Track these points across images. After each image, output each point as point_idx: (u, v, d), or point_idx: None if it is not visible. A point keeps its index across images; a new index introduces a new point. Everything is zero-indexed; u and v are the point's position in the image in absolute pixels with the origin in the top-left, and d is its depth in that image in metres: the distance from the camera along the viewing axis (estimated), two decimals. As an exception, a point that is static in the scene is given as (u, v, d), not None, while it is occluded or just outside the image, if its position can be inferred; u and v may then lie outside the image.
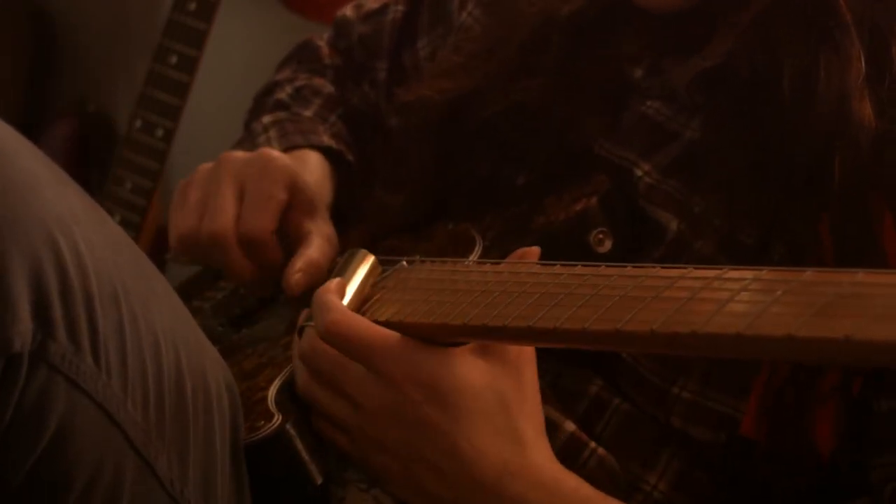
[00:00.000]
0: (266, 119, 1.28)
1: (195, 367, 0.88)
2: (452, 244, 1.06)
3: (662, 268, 0.77)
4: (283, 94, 1.32)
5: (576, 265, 0.84)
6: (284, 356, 1.01)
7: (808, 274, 0.68)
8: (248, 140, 1.26)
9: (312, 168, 1.21)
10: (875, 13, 0.97)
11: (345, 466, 0.96)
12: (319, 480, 0.93)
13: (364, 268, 0.99)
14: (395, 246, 1.12)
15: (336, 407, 0.91)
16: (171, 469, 0.85)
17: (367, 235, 1.16)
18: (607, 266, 0.81)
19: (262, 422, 0.93)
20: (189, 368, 0.87)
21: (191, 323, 0.92)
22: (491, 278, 0.89)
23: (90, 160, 2.04)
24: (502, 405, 0.87)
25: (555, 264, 0.86)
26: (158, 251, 1.80)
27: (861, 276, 0.65)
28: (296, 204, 1.11)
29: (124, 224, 1.80)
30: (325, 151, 1.24)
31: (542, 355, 0.91)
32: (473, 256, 1.02)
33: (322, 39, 1.40)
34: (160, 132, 1.78)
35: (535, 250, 0.91)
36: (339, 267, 1.01)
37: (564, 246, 0.97)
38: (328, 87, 1.34)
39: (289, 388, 0.97)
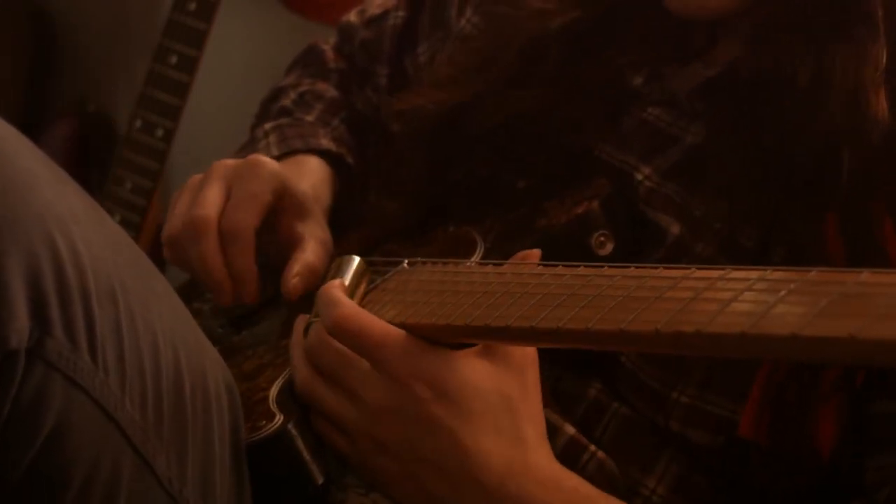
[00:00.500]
0: (268, 125, 1.28)
1: (194, 366, 0.88)
2: (454, 246, 1.06)
3: (665, 268, 0.77)
4: (286, 101, 1.33)
5: (578, 266, 0.84)
6: (285, 358, 1.01)
7: (813, 274, 0.68)
8: (249, 146, 1.26)
9: (310, 172, 1.21)
10: None
11: (344, 471, 0.95)
12: (321, 480, 0.92)
13: (354, 272, 1.01)
14: (395, 249, 1.12)
15: (337, 405, 0.91)
16: (169, 468, 0.85)
17: (365, 239, 1.16)
18: (610, 267, 0.81)
19: (264, 421, 0.93)
20: (188, 368, 0.86)
21: (190, 323, 0.92)
22: (493, 279, 0.89)
23: (90, 160, 2.04)
24: (507, 406, 0.87)
25: (557, 265, 0.86)
26: (158, 251, 1.80)
27: (866, 275, 0.65)
28: (286, 207, 1.11)
29: (124, 224, 1.80)
30: (325, 155, 1.24)
31: (542, 358, 0.91)
32: (475, 258, 1.02)
33: (327, 44, 1.41)
34: (160, 132, 1.78)
35: (537, 252, 0.91)
36: (331, 273, 1.02)
37: (566, 248, 0.97)
38: (331, 92, 1.34)
39: (290, 389, 0.96)
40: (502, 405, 0.87)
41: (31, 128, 2.07)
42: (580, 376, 0.98)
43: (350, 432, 0.91)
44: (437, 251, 1.07)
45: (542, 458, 0.88)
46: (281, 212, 1.11)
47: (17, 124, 0.84)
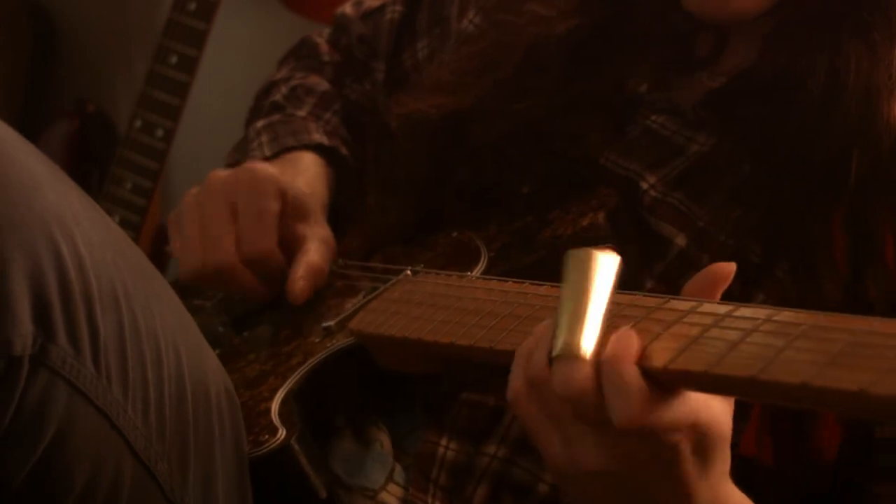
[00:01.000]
0: (259, 124, 1.28)
1: (196, 372, 0.87)
2: (457, 254, 1.06)
3: (674, 299, 0.76)
4: (278, 96, 1.32)
5: None
6: (287, 366, 1.00)
7: (822, 318, 0.67)
8: (242, 146, 1.26)
9: (305, 168, 1.21)
10: None
11: (352, 472, 0.95)
12: (324, 494, 0.92)
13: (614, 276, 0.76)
14: (397, 253, 1.12)
15: (547, 443, 0.77)
16: (170, 475, 0.85)
17: (366, 242, 1.16)
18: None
19: (266, 436, 0.92)
20: (190, 373, 0.86)
21: (192, 327, 0.92)
22: (497, 297, 0.89)
23: (90, 160, 2.03)
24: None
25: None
26: (158, 251, 1.80)
27: (877, 323, 0.64)
28: (288, 210, 1.11)
29: (124, 224, 1.80)
30: (318, 149, 1.23)
31: None
32: (479, 269, 1.02)
33: (321, 36, 1.40)
34: (160, 132, 1.78)
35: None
36: (574, 267, 0.75)
37: None
38: (323, 85, 1.33)
39: (292, 400, 0.96)
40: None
41: (31, 128, 2.07)
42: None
43: (551, 467, 0.79)
44: (440, 257, 1.07)
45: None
46: (283, 215, 1.11)
47: (17, 124, 0.84)
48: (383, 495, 0.97)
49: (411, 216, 1.15)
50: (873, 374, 0.61)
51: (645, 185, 1.01)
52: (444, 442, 0.96)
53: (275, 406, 0.95)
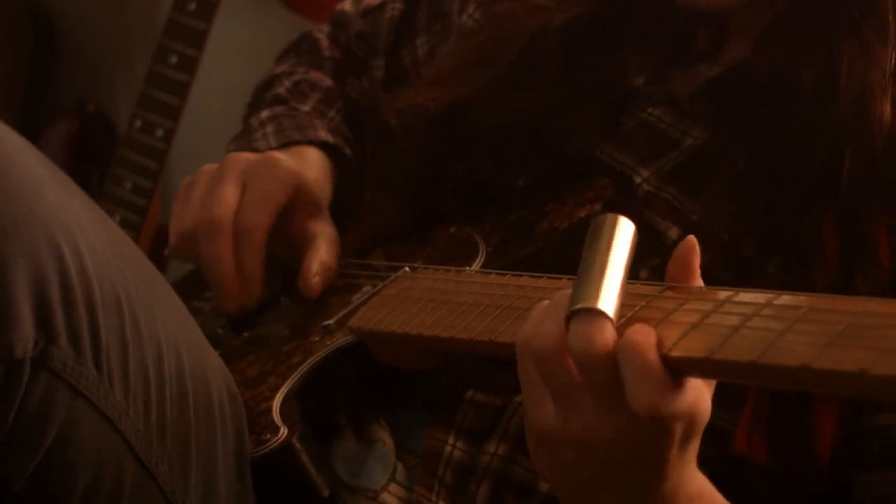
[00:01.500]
0: (263, 114, 1.27)
1: (197, 374, 0.87)
2: (455, 249, 1.06)
3: (671, 287, 0.76)
4: (281, 89, 1.32)
5: None
6: (287, 365, 1.01)
7: (821, 301, 0.67)
8: (245, 136, 1.25)
9: (312, 164, 1.21)
10: None
11: (354, 473, 0.96)
12: (326, 493, 0.92)
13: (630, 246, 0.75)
14: (395, 249, 1.12)
15: (544, 411, 0.76)
16: (171, 477, 0.85)
17: (364, 238, 1.16)
18: None
19: (268, 435, 0.92)
20: (191, 376, 0.86)
21: (194, 329, 0.92)
22: (496, 291, 0.89)
23: (90, 160, 2.03)
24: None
25: (561, 278, 0.86)
26: (158, 251, 1.80)
27: (873, 304, 0.64)
28: (300, 206, 1.11)
29: (124, 224, 1.80)
30: (323, 147, 1.23)
31: None
32: (477, 263, 1.02)
33: (322, 32, 1.40)
34: (160, 132, 1.78)
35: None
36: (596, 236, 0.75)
37: (569, 253, 0.97)
38: (327, 81, 1.33)
39: (293, 399, 0.96)
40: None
41: (31, 128, 2.07)
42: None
43: (540, 439, 0.78)
44: (438, 253, 1.07)
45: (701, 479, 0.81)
46: (293, 210, 1.11)
47: (17, 124, 0.84)
48: (384, 496, 0.97)
49: (409, 214, 1.15)
50: (873, 354, 0.61)
51: (638, 179, 1.01)
52: (451, 440, 0.96)
53: (276, 405, 0.95)
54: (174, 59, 1.76)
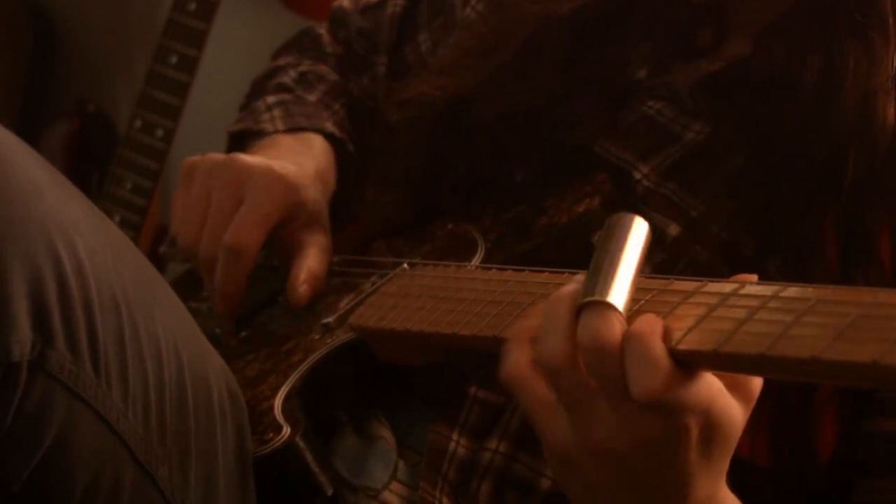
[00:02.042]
0: (270, 99, 1.27)
1: (197, 375, 0.87)
2: (454, 246, 1.06)
3: (676, 280, 0.76)
4: (286, 78, 1.31)
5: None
6: (287, 363, 1.00)
7: (829, 292, 0.67)
8: (249, 118, 1.25)
9: (318, 152, 1.20)
10: None
11: (356, 472, 0.95)
12: (330, 492, 0.92)
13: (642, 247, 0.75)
14: (393, 246, 1.12)
15: (561, 430, 0.75)
16: (171, 479, 0.85)
17: (363, 235, 1.16)
18: None
19: (271, 434, 0.92)
20: (191, 377, 0.86)
21: (194, 330, 0.92)
22: (496, 287, 0.89)
23: (90, 160, 2.04)
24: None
25: (563, 272, 0.85)
26: (158, 251, 1.80)
27: (883, 295, 0.64)
28: (296, 218, 1.11)
29: (124, 224, 1.80)
30: (329, 138, 1.23)
31: None
32: (476, 259, 1.02)
33: (322, 27, 1.39)
34: (160, 132, 1.78)
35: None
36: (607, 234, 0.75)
37: (568, 248, 0.97)
38: (332, 75, 1.33)
39: (295, 397, 0.96)
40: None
41: (31, 128, 2.07)
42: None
43: (563, 459, 0.76)
44: (436, 250, 1.07)
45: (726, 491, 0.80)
46: (289, 221, 1.11)
47: (17, 124, 0.84)
48: (385, 494, 0.97)
49: (408, 211, 1.14)
50: (885, 344, 0.61)
51: (638, 175, 1.01)
52: (455, 437, 0.96)
53: (278, 404, 0.95)
54: (174, 59, 1.76)
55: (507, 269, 0.92)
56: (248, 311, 1.15)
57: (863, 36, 0.95)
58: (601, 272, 0.72)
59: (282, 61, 1.36)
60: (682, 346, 0.69)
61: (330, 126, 1.23)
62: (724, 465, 0.76)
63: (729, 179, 0.98)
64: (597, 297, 0.71)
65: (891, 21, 0.95)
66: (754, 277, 0.75)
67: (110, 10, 2.26)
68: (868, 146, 0.94)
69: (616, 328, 0.70)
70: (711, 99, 1.01)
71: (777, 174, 0.96)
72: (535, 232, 1.02)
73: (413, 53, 1.28)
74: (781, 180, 0.96)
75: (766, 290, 0.70)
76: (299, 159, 1.15)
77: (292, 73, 1.32)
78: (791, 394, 0.91)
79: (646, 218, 0.96)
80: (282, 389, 0.96)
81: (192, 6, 1.75)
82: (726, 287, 0.72)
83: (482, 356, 0.94)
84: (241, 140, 1.25)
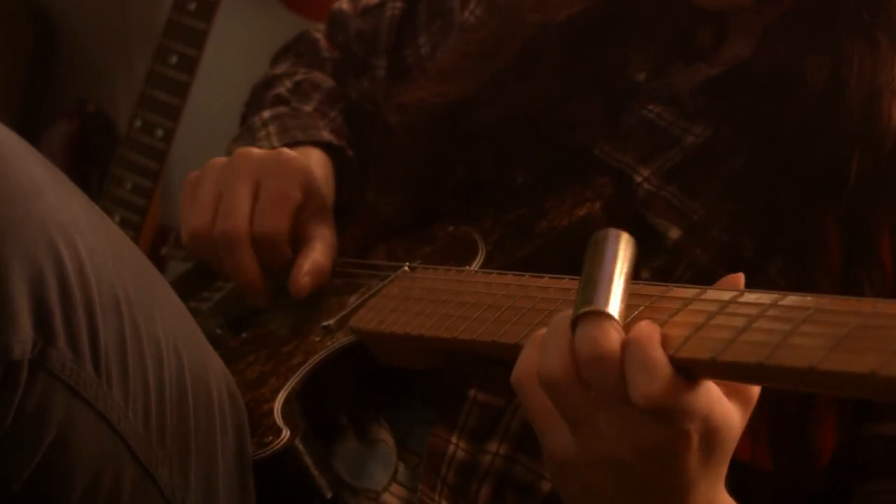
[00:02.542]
0: (266, 114, 1.27)
1: (197, 375, 0.87)
2: (454, 248, 1.06)
3: (676, 286, 0.76)
4: (282, 89, 1.31)
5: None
6: (287, 365, 1.00)
7: (827, 301, 0.67)
8: (247, 135, 1.25)
9: (316, 164, 1.20)
10: None
11: (356, 474, 0.95)
12: (329, 494, 0.92)
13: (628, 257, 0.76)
14: (395, 248, 1.12)
15: (561, 439, 0.76)
16: (171, 478, 0.85)
17: (363, 237, 1.16)
18: None
19: (270, 437, 0.92)
20: (191, 377, 0.86)
21: (194, 330, 0.92)
22: (497, 290, 0.88)
23: (90, 160, 2.04)
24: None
25: (563, 278, 0.85)
26: (158, 251, 1.80)
27: (881, 305, 0.64)
28: (308, 205, 1.11)
29: (124, 224, 1.80)
30: (326, 147, 1.23)
31: None
32: (477, 263, 1.02)
33: (319, 32, 1.39)
34: (160, 132, 1.78)
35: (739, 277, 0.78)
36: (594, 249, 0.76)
37: (568, 252, 0.97)
38: (328, 82, 1.33)
39: (295, 400, 0.96)
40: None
41: (31, 128, 2.07)
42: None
43: (563, 468, 0.77)
44: (437, 252, 1.07)
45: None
46: (301, 209, 1.11)
47: (17, 124, 0.84)
48: (385, 496, 0.97)
49: (408, 214, 1.14)
50: (883, 355, 0.61)
51: (638, 179, 1.01)
52: (454, 440, 0.96)
53: (277, 406, 0.95)
54: (174, 59, 1.76)
55: (507, 274, 0.92)
56: (249, 311, 1.15)
57: (868, 36, 0.95)
58: (592, 284, 0.72)
59: (279, 69, 1.36)
60: (680, 355, 0.69)
61: (326, 135, 1.23)
62: (723, 470, 0.76)
63: (729, 181, 0.98)
64: (591, 308, 0.71)
65: None
66: (741, 276, 0.75)
67: (110, 10, 2.26)
68: (873, 146, 0.93)
69: (613, 336, 0.71)
70: (712, 101, 1.01)
71: (778, 175, 0.96)
72: (536, 235, 1.02)
73: (413, 56, 1.28)
74: (782, 181, 0.96)
75: (765, 298, 0.70)
76: None
77: (288, 84, 1.32)
78: (791, 398, 0.91)
79: (646, 222, 0.97)
80: (282, 392, 0.96)
81: (192, 6, 1.75)
82: (725, 295, 0.72)
83: (481, 359, 0.94)
84: None
